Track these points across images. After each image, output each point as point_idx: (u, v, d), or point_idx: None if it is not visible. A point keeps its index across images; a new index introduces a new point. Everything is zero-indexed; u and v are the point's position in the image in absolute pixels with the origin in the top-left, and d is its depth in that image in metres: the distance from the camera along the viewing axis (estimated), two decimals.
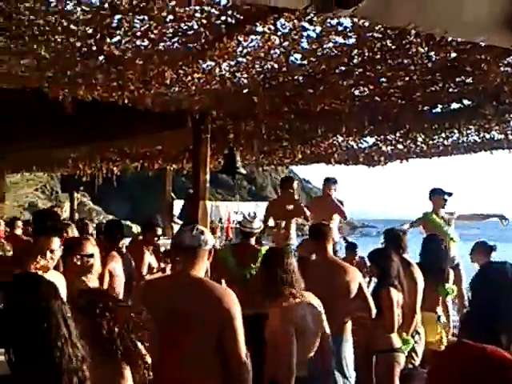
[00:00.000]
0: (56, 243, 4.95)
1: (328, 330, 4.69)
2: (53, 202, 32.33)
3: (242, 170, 9.24)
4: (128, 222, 28.77)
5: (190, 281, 3.87)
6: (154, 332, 3.78)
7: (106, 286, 6.17)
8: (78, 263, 5.04)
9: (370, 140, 9.09)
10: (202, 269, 3.98)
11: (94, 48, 4.87)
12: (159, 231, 8.64)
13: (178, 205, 16.92)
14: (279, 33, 4.46)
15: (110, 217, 29.88)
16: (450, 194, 9.00)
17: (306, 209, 9.35)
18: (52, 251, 4.89)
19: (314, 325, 4.53)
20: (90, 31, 4.54)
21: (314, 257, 5.94)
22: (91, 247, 5.22)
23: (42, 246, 4.89)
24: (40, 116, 8.30)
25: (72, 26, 4.45)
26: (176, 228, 14.31)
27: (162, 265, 8.38)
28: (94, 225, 13.08)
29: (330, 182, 9.67)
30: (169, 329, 3.71)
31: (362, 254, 6.89)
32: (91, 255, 5.11)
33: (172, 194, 16.24)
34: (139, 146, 10.56)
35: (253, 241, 6.61)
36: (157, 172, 14.29)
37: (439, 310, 6.83)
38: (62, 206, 20.23)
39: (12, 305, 2.49)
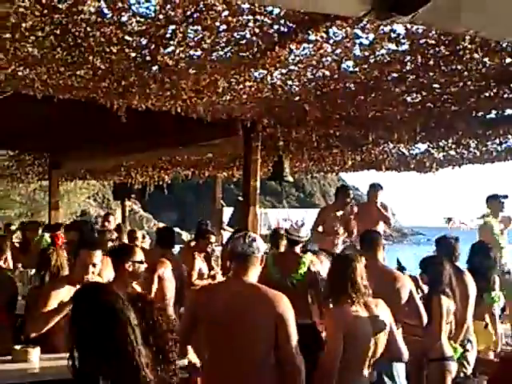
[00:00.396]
0: (98, 257, 5.06)
1: (400, 344, 4.65)
2: (104, 210, 32.81)
3: (290, 178, 9.24)
4: (177, 229, 29.03)
5: (243, 286, 3.91)
6: (209, 335, 3.85)
7: (154, 290, 6.27)
8: (130, 269, 5.12)
9: (422, 146, 9.00)
10: (254, 274, 4.00)
11: (149, 58, 4.96)
12: (213, 238, 8.74)
13: (227, 212, 17.00)
14: (331, 40, 4.47)
15: (161, 224, 30.18)
16: (505, 197, 8.94)
17: (353, 222, 9.32)
18: (94, 265, 5.01)
19: (373, 331, 4.46)
20: (145, 42, 4.63)
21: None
22: (141, 254, 5.31)
23: (85, 260, 5.00)
24: (94, 125, 8.46)
25: (127, 37, 4.54)
26: (225, 235, 14.39)
27: (213, 272, 8.47)
28: (144, 232, 13.24)
29: (375, 188, 9.59)
30: (223, 332, 3.75)
31: (412, 274, 6.78)
32: (141, 261, 5.20)
33: (222, 202, 16.33)
34: (190, 155, 10.67)
35: (298, 249, 6.56)
36: (206, 179, 14.39)
37: (487, 317, 6.73)
38: (114, 213, 20.48)
39: (79, 314, 2.55)
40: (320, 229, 9.38)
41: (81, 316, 2.53)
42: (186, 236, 25.64)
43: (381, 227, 9.36)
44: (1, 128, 8.50)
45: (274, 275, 6.30)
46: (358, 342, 4.36)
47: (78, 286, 3.81)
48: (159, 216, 42.22)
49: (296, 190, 57.86)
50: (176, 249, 9.80)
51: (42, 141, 10.17)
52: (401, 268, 8.02)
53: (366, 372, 4.40)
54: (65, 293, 4.91)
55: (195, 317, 3.99)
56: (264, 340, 3.77)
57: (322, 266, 6.48)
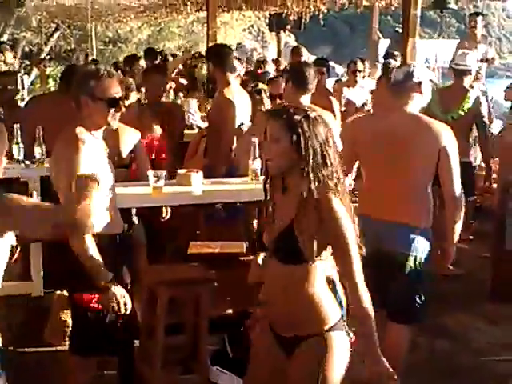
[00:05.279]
0: None
1: None
2: (259, 43, 32.86)
3: (453, 5, 8.81)
4: (332, 63, 28.55)
5: (405, 115, 3.88)
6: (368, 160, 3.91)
7: None
8: None
9: None
10: (416, 105, 3.93)
11: None
12: (359, 66, 8.72)
13: (383, 44, 16.45)
14: None
15: (314, 57, 29.78)
16: None
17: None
18: None
19: None
20: None
21: None
22: None
23: None
24: None
25: None
26: (380, 67, 14.07)
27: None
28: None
29: None
30: (383, 157, 3.80)
31: None
32: None
33: (378, 33, 15.78)
34: None
35: (466, 81, 6.20)
36: (362, 11, 13.88)
37: None
38: (266, 46, 20.43)
39: None
40: None
41: None
42: (339, 69, 25.14)
43: None
44: None
45: (434, 112, 6.06)
46: None
47: None
48: (313, 49, 41.66)
49: (456, 20, 54.33)
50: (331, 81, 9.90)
51: None
52: None
53: None
54: None
55: (355, 145, 4.02)
56: (424, 169, 3.79)
57: None
